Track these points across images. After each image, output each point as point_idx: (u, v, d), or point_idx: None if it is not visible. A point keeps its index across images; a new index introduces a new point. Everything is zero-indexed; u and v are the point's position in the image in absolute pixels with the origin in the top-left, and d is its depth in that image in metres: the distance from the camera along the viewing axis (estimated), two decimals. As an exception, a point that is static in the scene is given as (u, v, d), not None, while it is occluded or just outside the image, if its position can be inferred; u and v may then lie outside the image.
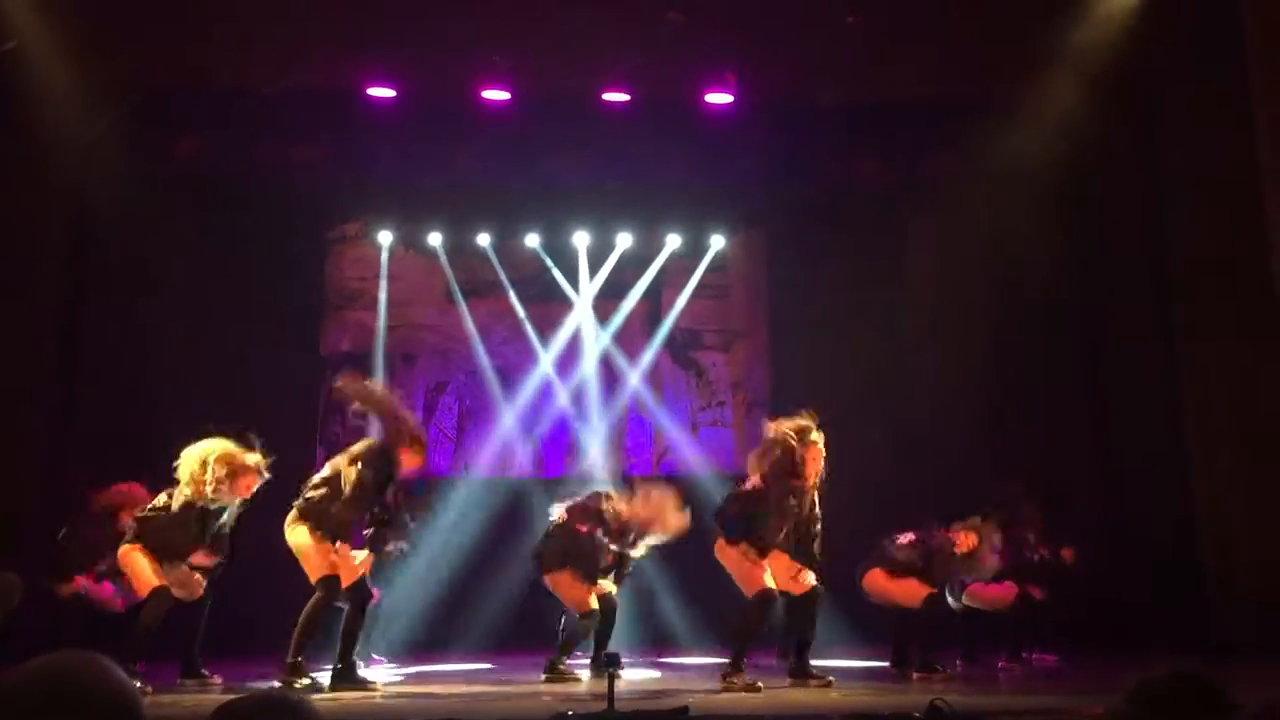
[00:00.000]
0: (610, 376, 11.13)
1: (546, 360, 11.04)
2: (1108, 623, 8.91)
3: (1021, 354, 10.29)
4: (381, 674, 7.43)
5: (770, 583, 6.46)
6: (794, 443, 6.57)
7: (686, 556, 9.79)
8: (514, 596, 9.37)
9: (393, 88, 9.22)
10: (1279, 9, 7.06)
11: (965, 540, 7.47)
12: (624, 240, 11.08)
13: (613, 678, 4.83)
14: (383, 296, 10.93)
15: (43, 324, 8.99)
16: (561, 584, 7.20)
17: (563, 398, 10.95)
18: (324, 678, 6.36)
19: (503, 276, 11.08)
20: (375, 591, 8.31)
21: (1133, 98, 8.91)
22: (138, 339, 9.90)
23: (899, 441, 10.52)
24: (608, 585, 7.40)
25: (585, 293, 11.12)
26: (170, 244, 9.75)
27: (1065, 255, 10.03)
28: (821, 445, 6.64)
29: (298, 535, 6.52)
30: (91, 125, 8.83)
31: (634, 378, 11.08)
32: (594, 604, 7.11)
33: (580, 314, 11.13)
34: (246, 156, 9.99)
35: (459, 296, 11.07)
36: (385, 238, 10.92)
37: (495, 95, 9.31)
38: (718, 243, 11.22)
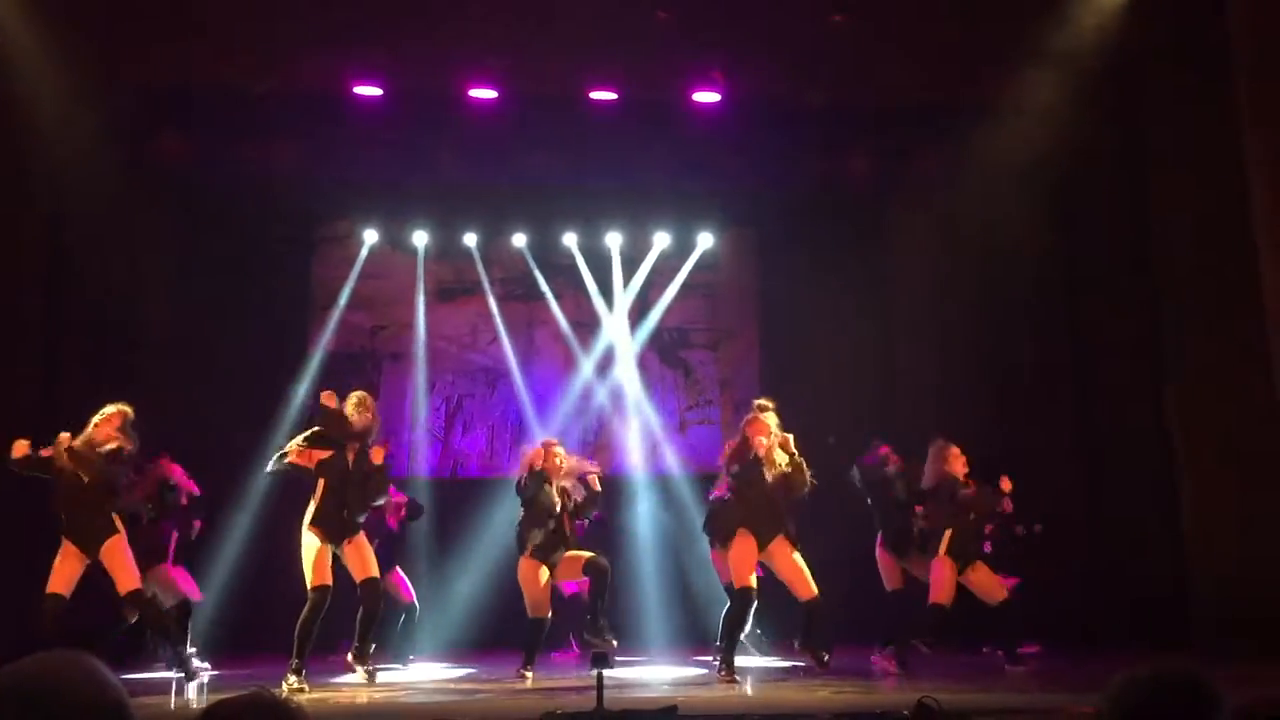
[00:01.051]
0: (599, 375, 11.13)
1: (537, 361, 11.05)
2: (1097, 621, 8.96)
3: (1011, 353, 10.31)
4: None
5: (752, 581, 6.77)
6: (742, 424, 7.13)
7: (673, 556, 9.90)
8: (503, 596, 9.35)
9: (379, 86, 9.19)
10: (1265, 2, 7.10)
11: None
12: (618, 241, 11.12)
13: (601, 676, 4.83)
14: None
15: (23, 325, 8.91)
16: (520, 577, 7.24)
17: (554, 398, 10.95)
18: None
19: (489, 276, 11.08)
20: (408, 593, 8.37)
21: (1120, 94, 8.94)
22: (121, 340, 9.84)
23: (887, 439, 10.54)
24: (583, 552, 7.28)
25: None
26: (154, 245, 9.71)
27: (1054, 254, 10.05)
28: (764, 419, 7.00)
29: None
30: (77, 123, 8.77)
31: (622, 376, 11.09)
32: (545, 610, 7.11)
33: (568, 315, 11.15)
34: (231, 156, 9.93)
35: (444, 296, 11.07)
36: (370, 236, 10.91)
37: (482, 94, 9.29)
38: (706, 241, 11.23)
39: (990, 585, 7.47)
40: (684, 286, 11.24)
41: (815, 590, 6.82)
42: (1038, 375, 10.16)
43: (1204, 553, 8.22)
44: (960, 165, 9.61)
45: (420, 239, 10.98)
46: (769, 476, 6.87)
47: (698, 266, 11.27)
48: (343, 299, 10.94)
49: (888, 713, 4.64)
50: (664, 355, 11.38)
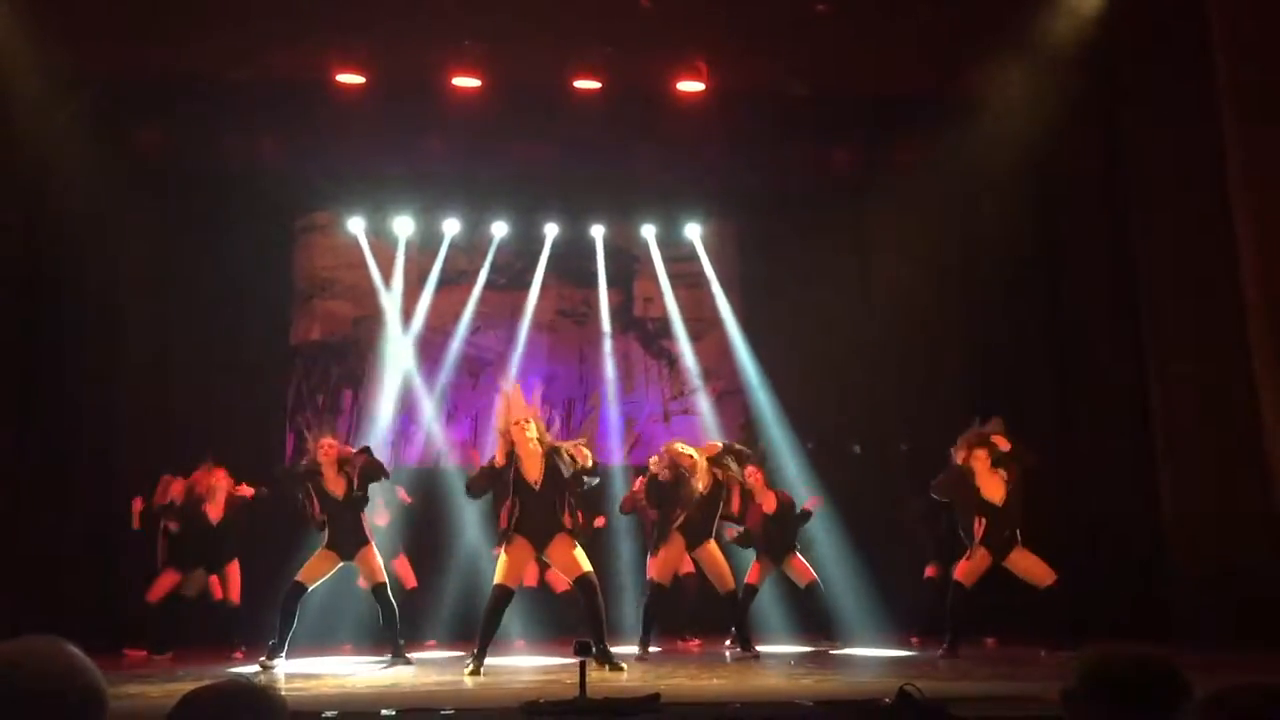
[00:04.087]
0: (580, 365, 11.13)
1: (518, 349, 11.04)
2: (1072, 612, 9.01)
3: (994, 342, 10.35)
4: (354, 663, 7.45)
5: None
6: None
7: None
8: (487, 586, 9.36)
9: (362, 74, 9.14)
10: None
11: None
12: (597, 230, 11.13)
13: (584, 665, 4.84)
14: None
15: (2, 318, 8.85)
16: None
17: (534, 387, 10.93)
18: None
19: (472, 266, 11.06)
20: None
21: (1100, 86, 8.97)
22: (103, 331, 9.79)
23: (869, 430, 10.59)
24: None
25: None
26: (135, 235, 9.65)
27: (1036, 244, 10.08)
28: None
29: None
30: (54, 114, 8.69)
31: (605, 367, 11.10)
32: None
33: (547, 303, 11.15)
34: (213, 145, 9.89)
35: (427, 286, 11.04)
36: (353, 225, 10.87)
37: (466, 82, 9.25)
38: (690, 231, 11.24)
39: (1034, 569, 7.65)
40: (667, 276, 11.25)
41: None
42: (1016, 367, 10.19)
43: (1183, 540, 8.27)
44: (942, 155, 9.63)
45: (403, 228, 10.95)
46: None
47: (681, 257, 11.28)
48: (325, 288, 10.92)
49: (870, 700, 4.66)
50: (647, 345, 11.39)
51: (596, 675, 5.84)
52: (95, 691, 1.34)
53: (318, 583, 7.43)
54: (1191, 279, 8.22)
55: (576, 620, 7.52)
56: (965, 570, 7.67)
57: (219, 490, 8.43)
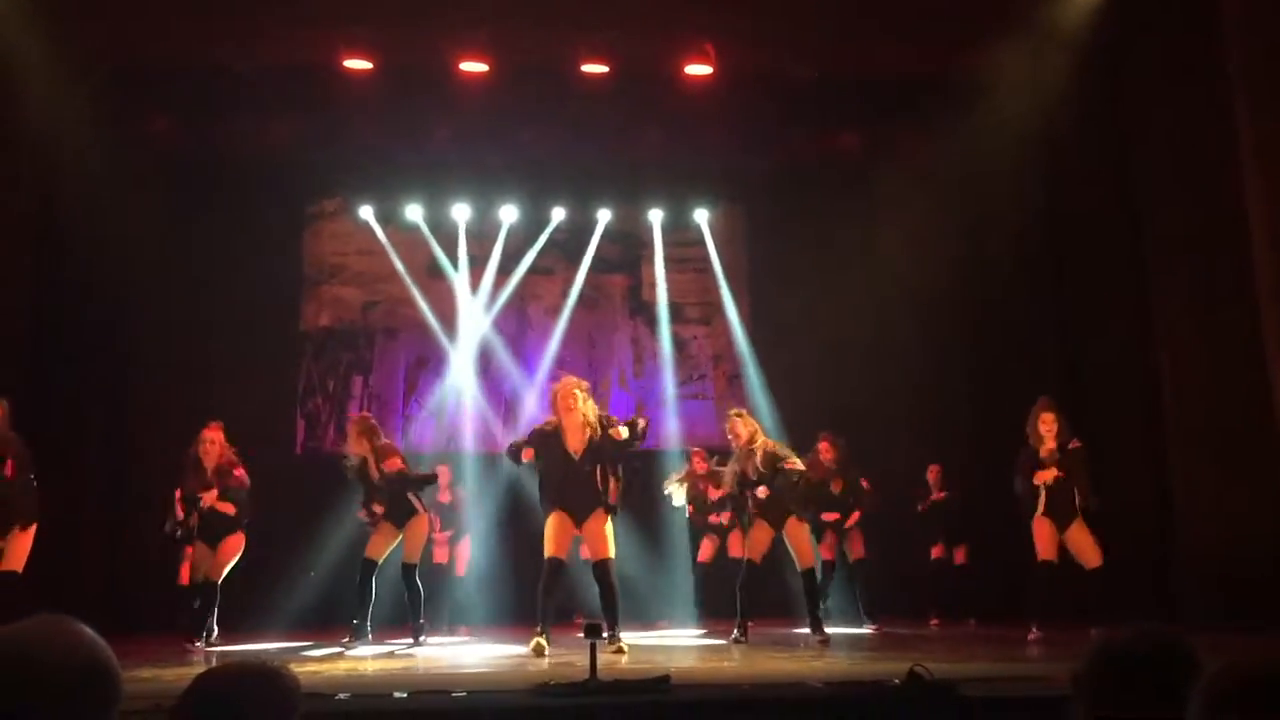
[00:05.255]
0: (590, 350, 11.13)
1: (529, 335, 11.05)
2: (1077, 594, 9.02)
3: (997, 327, 10.34)
4: (370, 646, 7.50)
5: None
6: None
7: (659, 530, 9.94)
8: (500, 569, 9.41)
9: (369, 60, 9.12)
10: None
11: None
12: (604, 215, 11.11)
13: (594, 647, 4.85)
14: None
15: (11, 304, 8.86)
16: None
17: (541, 371, 10.96)
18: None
19: (481, 251, 11.06)
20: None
21: (1107, 66, 8.92)
22: (112, 318, 9.83)
23: (876, 413, 10.58)
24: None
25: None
26: (144, 222, 9.66)
27: (1040, 228, 10.05)
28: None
29: None
30: (63, 102, 8.70)
31: (614, 351, 11.11)
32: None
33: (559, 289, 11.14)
34: (222, 132, 9.90)
35: (436, 271, 11.05)
36: (362, 212, 10.88)
37: (473, 67, 9.23)
38: (698, 216, 11.22)
39: (1085, 547, 7.51)
40: (675, 261, 11.24)
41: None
42: (1024, 348, 10.17)
43: (1192, 528, 8.26)
44: (949, 139, 9.58)
45: (413, 214, 10.95)
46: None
47: (689, 241, 11.26)
48: (335, 274, 10.94)
49: (879, 681, 4.67)
50: (655, 330, 11.38)
51: (607, 657, 5.87)
52: (108, 670, 1.35)
53: (384, 555, 7.53)
54: (1201, 264, 8.19)
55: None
56: (1042, 546, 7.53)
57: (212, 449, 7.59)
